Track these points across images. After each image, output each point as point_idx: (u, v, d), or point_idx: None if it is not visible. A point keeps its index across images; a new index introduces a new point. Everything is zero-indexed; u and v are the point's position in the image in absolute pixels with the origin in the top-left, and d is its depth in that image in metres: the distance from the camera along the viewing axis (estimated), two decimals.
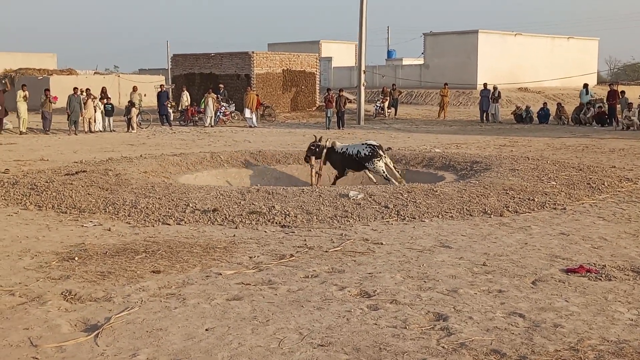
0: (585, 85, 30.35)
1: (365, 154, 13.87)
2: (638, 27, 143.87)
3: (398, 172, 14.05)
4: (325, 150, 14.54)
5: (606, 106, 28.05)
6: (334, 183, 14.41)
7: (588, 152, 17.92)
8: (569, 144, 20.27)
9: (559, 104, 30.86)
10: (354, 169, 14.47)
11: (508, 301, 6.05)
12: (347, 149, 14.34)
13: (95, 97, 26.50)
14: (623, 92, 28.31)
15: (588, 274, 6.88)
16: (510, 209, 10.17)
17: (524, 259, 7.52)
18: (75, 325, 5.53)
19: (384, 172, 13.69)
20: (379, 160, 13.70)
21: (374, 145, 14.00)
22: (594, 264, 7.28)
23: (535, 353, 4.90)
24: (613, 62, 79.40)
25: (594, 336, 5.22)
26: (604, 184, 12.10)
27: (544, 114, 29.75)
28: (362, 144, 14.27)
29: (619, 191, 11.77)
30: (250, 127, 28.21)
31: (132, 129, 26.12)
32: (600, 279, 6.72)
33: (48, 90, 26.76)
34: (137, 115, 27.04)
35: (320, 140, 14.79)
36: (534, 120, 29.98)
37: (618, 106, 27.42)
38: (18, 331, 5.37)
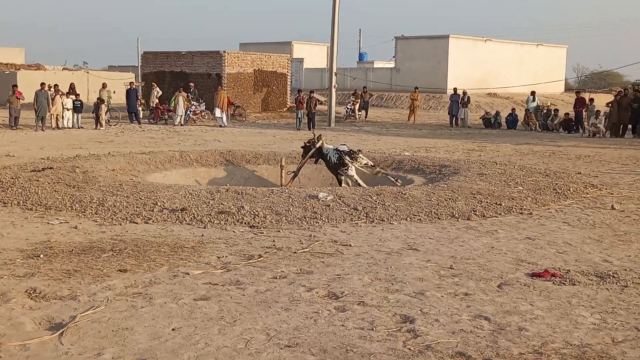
0: (533, 93, 30.88)
1: (334, 161, 13.85)
2: (606, 36, 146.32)
3: (373, 170, 14.07)
4: (312, 150, 14.44)
5: (569, 113, 28.55)
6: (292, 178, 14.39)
7: (555, 158, 18.17)
8: (536, 149, 20.53)
9: (527, 110, 31.26)
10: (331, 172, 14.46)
11: (474, 304, 6.12)
12: (328, 152, 14.19)
13: (63, 93, 26.16)
14: (592, 100, 28.81)
15: (553, 278, 6.98)
16: (477, 213, 10.27)
17: (490, 263, 7.60)
18: (40, 323, 5.47)
19: (355, 180, 13.70)
20: (348, 169, 13.70)
21: (341, 152, 13.89)
22: (559, 268, 7.39)
23: (500, 356, 4.95)
24: (581, 69, 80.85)
25: (557, 340, 5.30)
26: (569, 190, 12.28)
27: (512, 120, 30.11)
28: (334, 149, 14.16)
29: (584, 197, 11.96)
30: (221, 126, 28.09)
31: (101, 126, 25.86)
32: (565, 284, 6.82)
33: (16, 86, 26.25)
34: (105, 113, 26.79)
35: (319, 138, 14.58)
36: (502, 126, 30.32)
37: (585, 113, 27.89)
38: None
